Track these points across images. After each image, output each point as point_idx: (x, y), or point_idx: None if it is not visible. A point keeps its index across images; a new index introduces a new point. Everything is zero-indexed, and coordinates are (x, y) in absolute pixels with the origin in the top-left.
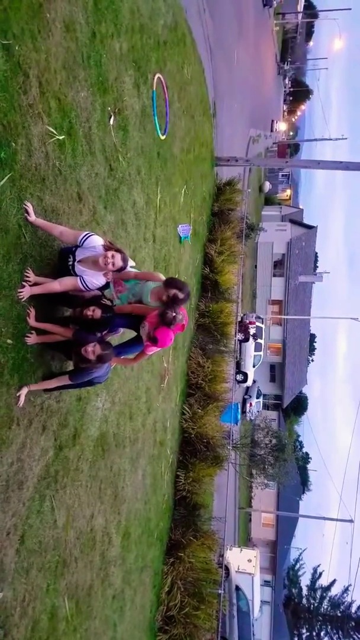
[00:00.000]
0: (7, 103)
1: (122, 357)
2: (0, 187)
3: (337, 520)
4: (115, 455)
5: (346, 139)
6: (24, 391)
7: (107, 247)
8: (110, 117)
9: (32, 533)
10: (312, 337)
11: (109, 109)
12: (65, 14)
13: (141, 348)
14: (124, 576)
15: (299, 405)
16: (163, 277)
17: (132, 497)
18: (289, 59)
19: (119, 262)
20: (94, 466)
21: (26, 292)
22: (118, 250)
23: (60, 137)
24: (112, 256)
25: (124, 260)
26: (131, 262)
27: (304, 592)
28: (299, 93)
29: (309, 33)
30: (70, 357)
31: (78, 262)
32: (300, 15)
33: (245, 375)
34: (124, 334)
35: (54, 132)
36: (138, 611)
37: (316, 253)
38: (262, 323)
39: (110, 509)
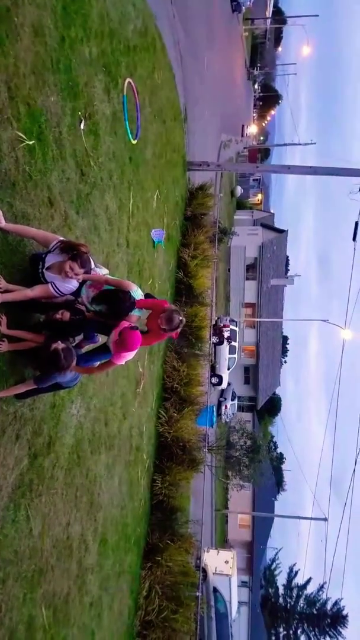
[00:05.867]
0: None
1: (88, 365)
2: None
3: (311, 519)
4: (91, 462)
5: (315, 143)
6: None
7: (63, 248)
8: (80, 122)
9: (8, 543)
10: (285, 339)
11: (80, 113)
12: (33, 18)
13: (108, 356)
14: (102, 583)
15: (273, 406)
16: (134, 286)
17: (109, 504)
18: (259, 64)
19: (79, 271)
20: (70, 474)
21: None
22: (74, 257)
23: (30, 142)
24: (71, 269)
25: (83, 265)
26: (104, 270)
27: (281, 591)
28: (268, 98)
29: (278, 39)
30: (41, 364)
31: (46, 269)
32: (269, 21)
33: (220, 378)
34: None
35: (24, 137)
36: (116, 617)
37: (287, 256)
38: (236, 326)
39: (87, 516)
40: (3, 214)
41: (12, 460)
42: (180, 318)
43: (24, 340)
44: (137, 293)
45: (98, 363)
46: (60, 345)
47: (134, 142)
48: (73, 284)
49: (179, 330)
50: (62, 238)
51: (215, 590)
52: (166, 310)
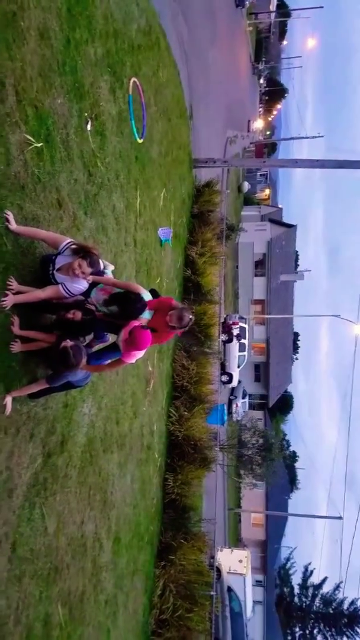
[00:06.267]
0: None
1: (98, 364)
2: None
3: (326, 517)
4: (103, 460)
5: (322, 136)
6: (8, 399)
7: (75, 250)
8: (87, 123)
9: (24, 541)
10: (296, 335)
11: (86, 114)
12: (39, 21)
13: (118, 355)
14: (116, 581)
15: (285, 404)
16: (142, 289)
17: (122, 502)
18: (264, 59)
19: (87, 269)
20: (83, 472)
21: (9, 300)
22: (84, 256)
23: (38, 145)
24: (79, 265)
25: (92, 265)
26: (111, 267)
27: (296, 590)
28: (274, 92)
29: (283, 32)
30: (52, 363)
31: (57, 270)
32: (273, 15)
33: (230, 376)
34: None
35: (32, 139)
36: (131, 616)
37: (296, 252)
38: (245, 323)
39: (100, 514)
40: (13, 216)
41: (27, 459)
42: (191, 316)
43: (36, 341)
44: (146, 296)
45: (108, 361)
46: (68, 343)
47: (140, 141)
48: (83, 285)
49: (187, 328)
50: (71, 240)
51: (229, 589)
52: (176, 308)
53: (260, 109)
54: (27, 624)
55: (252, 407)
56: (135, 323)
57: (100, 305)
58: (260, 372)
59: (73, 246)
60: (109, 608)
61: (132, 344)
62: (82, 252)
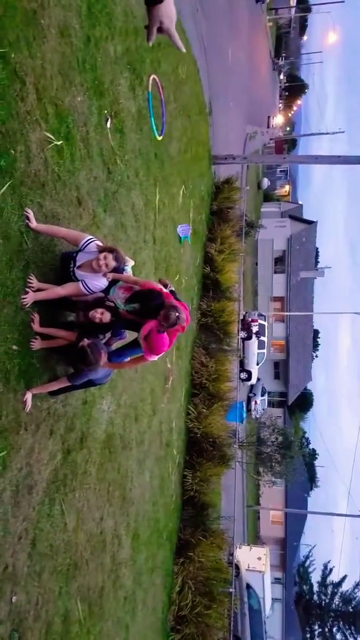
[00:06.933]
0: (5, 111)
1: (119, 361)
2: (1, 195)
3: (346, 515)
4: (122, 457)
5: (343, 132)
6: (28, 396)
7: (101, 249)
8: (107, 121)
9: (43, 537)
10: (316, 333)
11: (106, 112)
12: (59, 19)
13: (139, 351)
14: (135, 577)
15: (305, 401)
16: (162, 288)
17: (140, 499)
18: (284, 54)
19: (111, 263)
20: (102, 469)
21: (30, 298)
22: (110, 250)
23: (59, 143)
24: (105, 257)
25: (117, 260)
26: (130, 262)
27: (315, 588)
28: (294, 88)
29: (303, 27)
30: (72, 362)
31: (77, 267)
32: (293, 10)
33: (249, 373)
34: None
35: (52, 137)
36: (150, 612)
37: (317, 248)
38: (265, 320)
39: (119, 510)
40: (34, 214)
41: (47, 455)
42: (177, 314)
43: (56, 338)
44: None
45: (129, 359)
46: (85, 341)
47: (159, 138)
48: (103, 282)
49: (177, 327)
50: (91, 237)
51: (248, 586)
52: (164, 307)
53: (280, 105)
54: (46, 619)
55: (271, 404)
56: (154, 324)
57: (119, 302)
58: (280, 369)
59: (98, 242)
60: (128, 604)
61: (148, 345)
62: (108, 248)
